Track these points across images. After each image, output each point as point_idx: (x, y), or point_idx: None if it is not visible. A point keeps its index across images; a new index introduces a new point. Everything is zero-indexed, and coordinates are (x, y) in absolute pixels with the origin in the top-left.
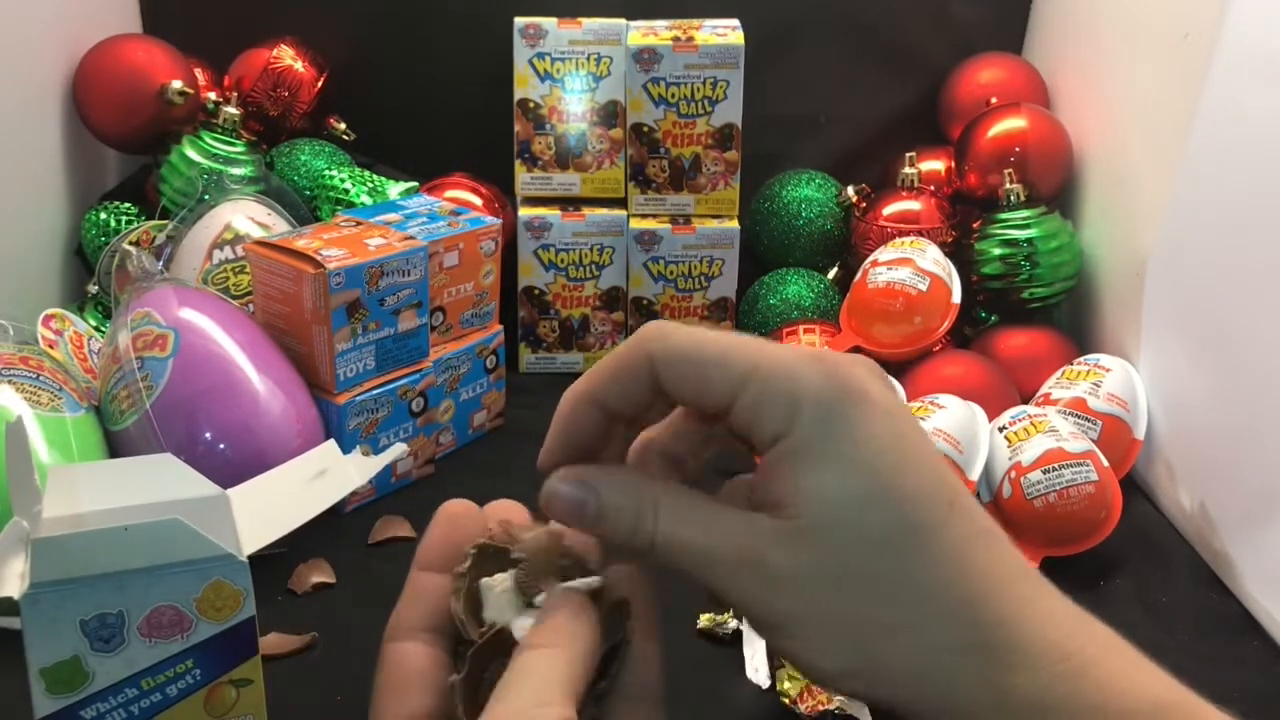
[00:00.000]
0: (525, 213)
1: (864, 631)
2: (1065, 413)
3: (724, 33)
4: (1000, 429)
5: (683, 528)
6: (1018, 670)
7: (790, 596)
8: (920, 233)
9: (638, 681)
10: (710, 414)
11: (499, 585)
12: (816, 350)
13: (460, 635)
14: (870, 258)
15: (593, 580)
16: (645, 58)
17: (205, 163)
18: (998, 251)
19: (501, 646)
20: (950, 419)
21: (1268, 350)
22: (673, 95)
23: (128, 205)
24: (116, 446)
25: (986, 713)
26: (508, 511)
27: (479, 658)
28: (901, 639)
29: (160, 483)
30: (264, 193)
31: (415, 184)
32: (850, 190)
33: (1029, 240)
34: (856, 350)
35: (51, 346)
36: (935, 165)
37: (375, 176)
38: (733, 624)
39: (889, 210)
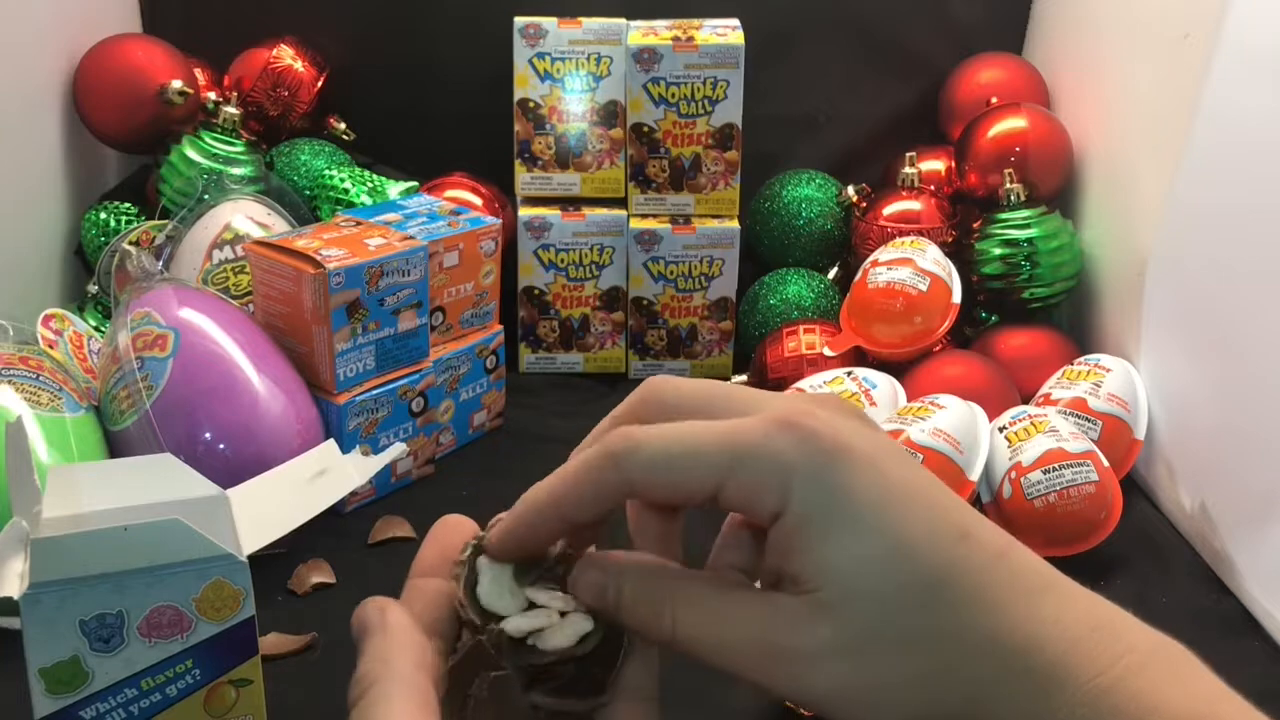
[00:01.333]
0: (525, 213)
1: (906, 687)
2: (1065, 413)
3: (724, 32)
4: (1000, 429)
5: (700, 623)
6: (1055, 693)
7: (825, 672)
8: (920, 233)
9: (636, 680)
10: (695, 505)
11: (495, 568)
12: (785, 411)
13: (457, 635)
14: (870, 258)
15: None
16: (645, 57)
17: (205, 163)
18: (998, 251)
19: (484, 660)
20: (950, 419)
21: (1268, 350)
22: (673, 95)
23: (128, 205)
24: (116, 446)
25: None
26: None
27: (459, 673)
28: (941, 687)
29: (160, 483)
30: (264, 193)
31: (415, 184)
32: (850, 190)
33: (1029, 240)
34: (857, 350)
35: (51, 346)
36: (935, 165)
37: (375, 176)
38: None
39: (889, 210)
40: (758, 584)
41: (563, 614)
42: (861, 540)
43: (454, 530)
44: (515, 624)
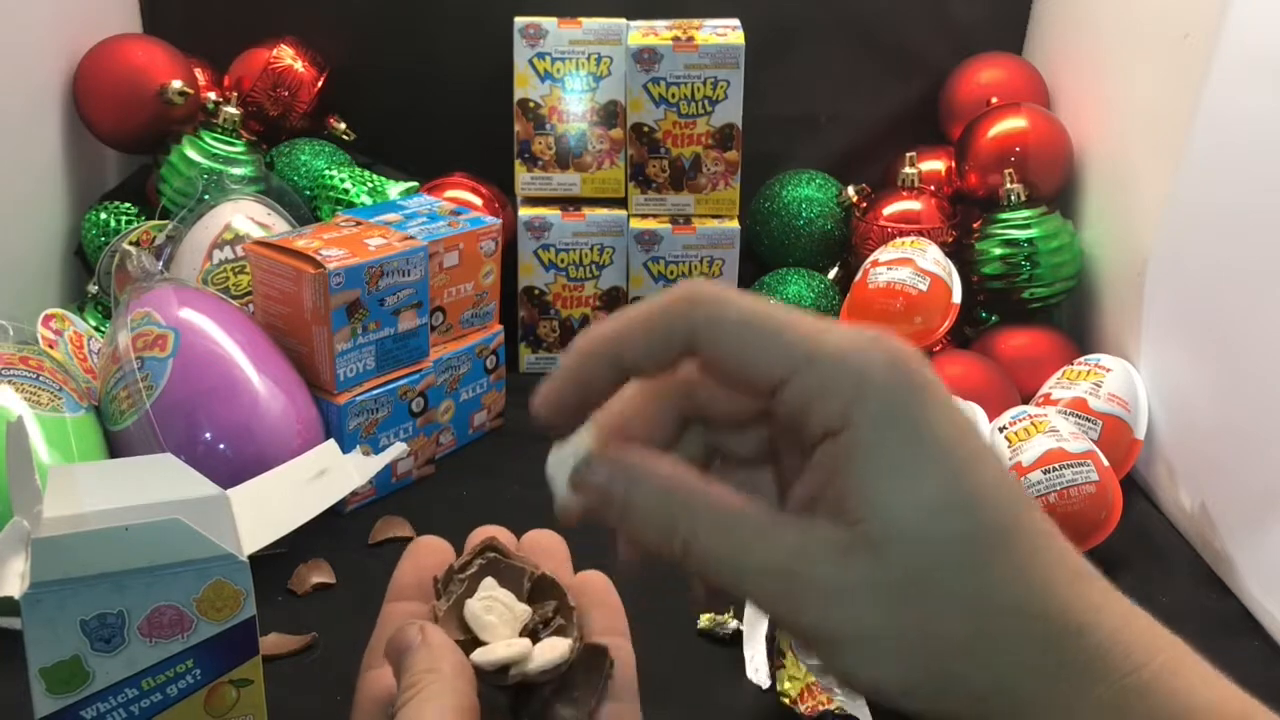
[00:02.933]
0: (525, 213)
1: (933, 648)
2: (1066, 413)
3: (724, 32)
4: (1000, 429)
5: (720, 544)
6: (1091, 684)
7: (850, 611)
8: (920, 233)
9: (617, 681)
10: (748, 391)
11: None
12: (876, 333)
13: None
14: (870, 258)
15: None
16: (645, 58)
17: (205, 163)
18: (998, 251)
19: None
20: None
21: (1268, 350)
22: (673, 95)
23: (128, 205)
24: (116, 447)
25: None
26: (492, 532)
27: None
28: (975, 656)
29: (161, 483)
30: (264, 193)
31: (415, 184)
32: (850, 190)
33: (1029, 240)
34: None
35: (51, 346)
36: (935, 165)
37: (375, 176)
38: (733, 624)
39: (889, 210)
40: None
41: (535, 637)
42: (927, 479)
43: (431, 552)
44: (483, 656)
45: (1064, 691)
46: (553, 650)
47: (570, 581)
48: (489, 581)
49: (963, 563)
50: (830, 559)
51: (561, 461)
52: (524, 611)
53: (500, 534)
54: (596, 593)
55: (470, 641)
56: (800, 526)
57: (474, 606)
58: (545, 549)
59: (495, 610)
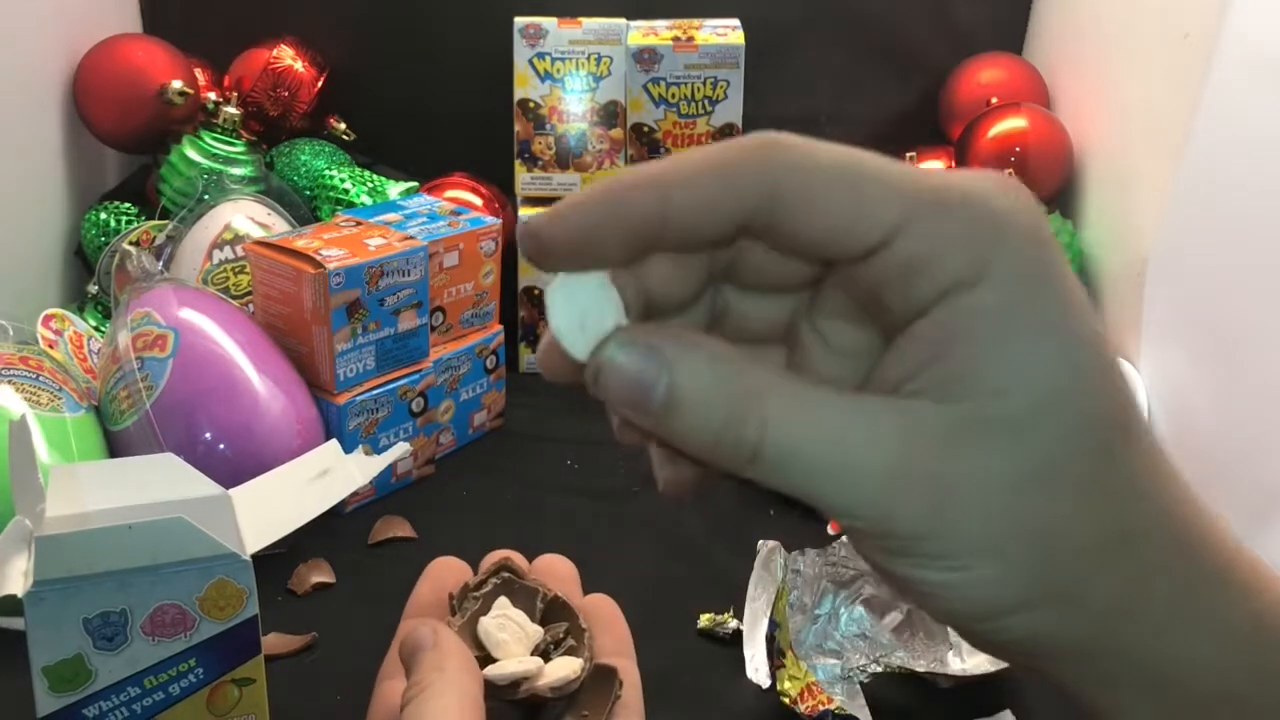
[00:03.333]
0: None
1: (1061, 550)
2: None
3: (724, 32)
4: None
5: (808, 429)
6: (1225, 596)
7: (968, 508)
8: None
9: (625, 701)
10: (830, 254)
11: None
12: (998, 174)
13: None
14: None
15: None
16: (645, 58)
17: (205, 163)
18: None
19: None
20: None
21: (1268, 350)
22: (673, 95)
23: (128, 205)
24: (116, 447)
25: (1216, 659)
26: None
27: None
28: (1105, 557)
29: (163, 482)
30: (264, 193)
31: (415, 184)
32: None
33: None
34: None
35: (51, 346)
36: (936, 165)
37: (375, 176)
38: (733, 624)
39: None
40: None
41: (546, 657)
42: (1072, 350)
43: (449, 571)
44: (495, 671)
45: (1194, 605)
46: (565, 668)
47: (580, 604)
48: (503, 601)
49: (1098, 450)
50: (954, 448)
51: (573, 325)
52: (536, 631)
53: (513, 557)
54: (605, 616)
55: (483, 658)
56: (903, 409)
57: (487, 624)
58: (556, 573)
59: (508, 629)
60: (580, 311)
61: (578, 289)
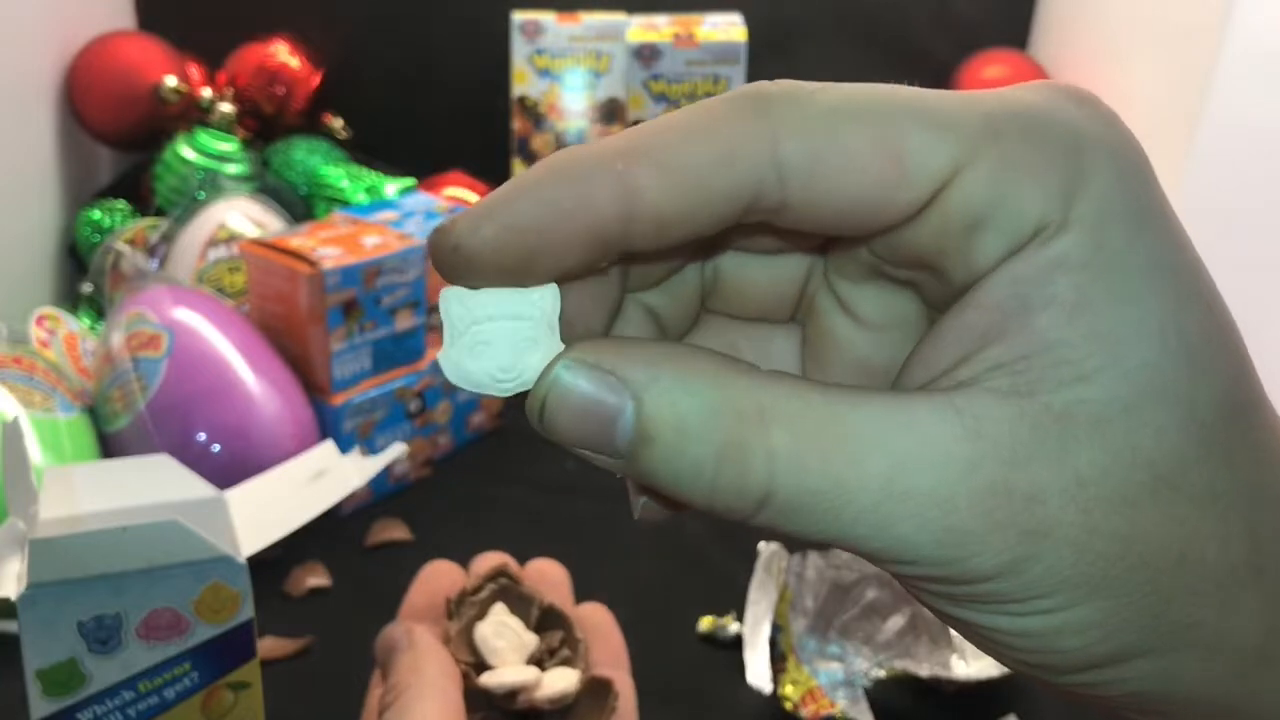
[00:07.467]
0: None
1: (1182, 580)
2: None
3: (725, 28)
4: None
5: (832, 457)
6: None
7: (1054, 534)
8: None
9: (620, 714)
10: (854, 227)
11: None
12: (1063, 84)
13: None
14: None
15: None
16: (646, 54)
17: (200, 160)
18: None
19: (477, 698)
20: None
21: (1269, 351)
22: (673, 92)
23: (121, 203)
24: (110, 448)
25: None
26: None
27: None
28: (1244, 592)
29: (157, 484)
30: (259, 191)
31: (412, 181)
32: None
33: None
34: None
35: (44, 347)
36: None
37: (372, 174)
38: (734, 627)
39: None
40: None
41: (541, 666)
42: (1178, 313)
43: (442, 575)
44: (492, 679)
45: None
46: (562, 680)
47: (572, 612)
48: (499, 607)
49: (1226, 445)
50: (1033, 451)
51: (499, 354)
52: (532, 640)
53: (508, 562)
54: (598, 626)
55: (477, 665)
56: (960, 408)
57: (484, 631)
58: (548, 578)
59: (505, 636)
60: (495, 325)
61: (489, 291)
